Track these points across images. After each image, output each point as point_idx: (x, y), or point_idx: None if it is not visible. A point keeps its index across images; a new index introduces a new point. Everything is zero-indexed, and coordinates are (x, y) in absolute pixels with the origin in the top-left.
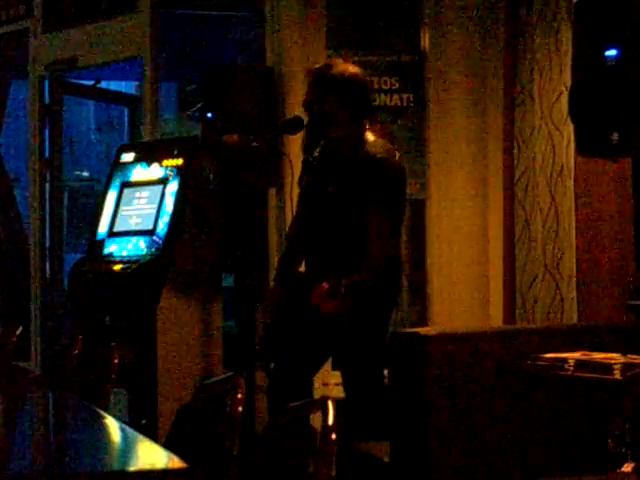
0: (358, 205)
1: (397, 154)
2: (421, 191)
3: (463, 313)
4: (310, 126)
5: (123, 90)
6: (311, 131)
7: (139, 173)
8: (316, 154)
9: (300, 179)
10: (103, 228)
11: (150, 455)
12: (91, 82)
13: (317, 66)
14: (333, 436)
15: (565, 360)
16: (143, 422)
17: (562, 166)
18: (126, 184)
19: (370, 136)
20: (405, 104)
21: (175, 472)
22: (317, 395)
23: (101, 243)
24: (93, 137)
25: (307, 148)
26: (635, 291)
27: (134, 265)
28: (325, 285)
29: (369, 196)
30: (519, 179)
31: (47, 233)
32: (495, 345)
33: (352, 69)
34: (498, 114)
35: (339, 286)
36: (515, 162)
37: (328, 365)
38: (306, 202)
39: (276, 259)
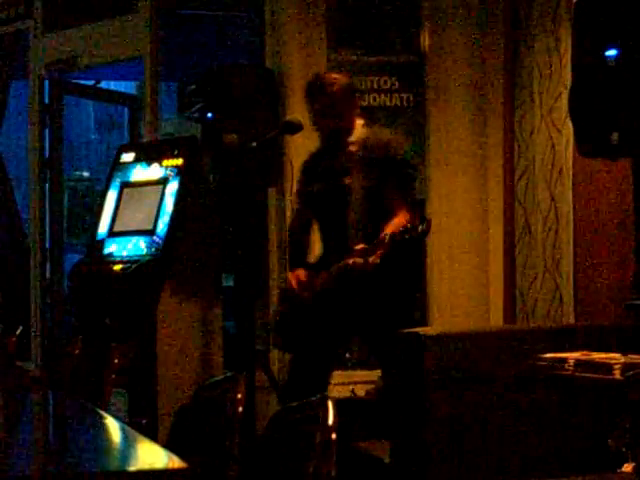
0: (375, 194)
1: (400, 141)
2: (421, 191)
3: (463, 313)
4: (328, 140)
5: (123, 90)
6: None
7: (139, 173)
8: (310, 158)
9: (305, 184)
10: (103, 228)
11: (150, 455)
12: (91, 82)
13: (311, 81)
14: (333, 436)
15: (565, 360)
16: (143, 422)
17: (562, 166)
18: (126, 184)
19: (368, 130)
20: (405, 104)
21: (175, 472)
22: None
23: (101, 243)
24: (93, 137)
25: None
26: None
27: (134, 265)
28: (360, 246)
29: (387, 185)
30: (519, 179)
31: (47, 233)
32: (495, 345)
33: (343, 78)
34: (498, 114)
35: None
36: (515, 162)
37: None
38: (315, 200)
39: (276, 259)
